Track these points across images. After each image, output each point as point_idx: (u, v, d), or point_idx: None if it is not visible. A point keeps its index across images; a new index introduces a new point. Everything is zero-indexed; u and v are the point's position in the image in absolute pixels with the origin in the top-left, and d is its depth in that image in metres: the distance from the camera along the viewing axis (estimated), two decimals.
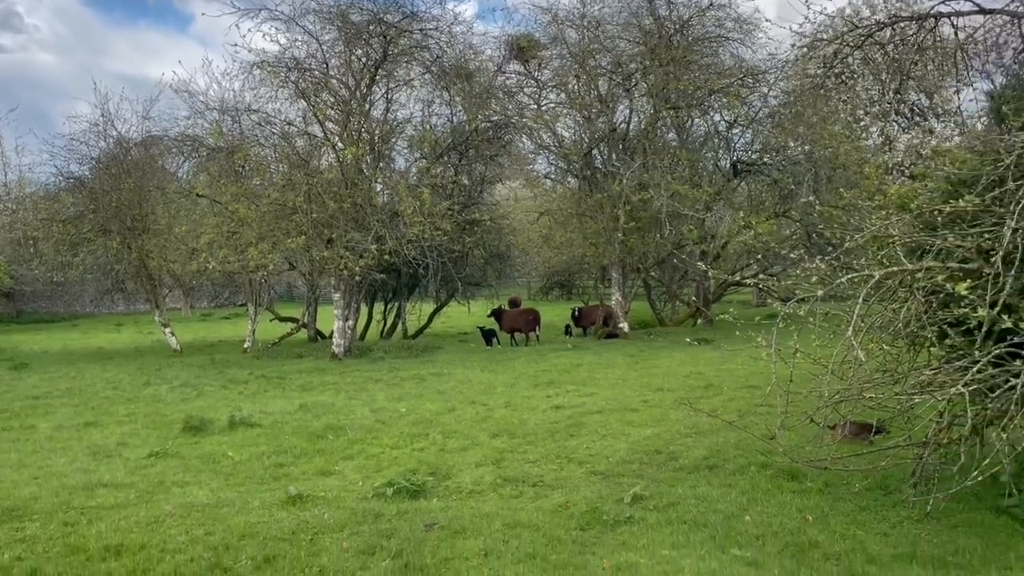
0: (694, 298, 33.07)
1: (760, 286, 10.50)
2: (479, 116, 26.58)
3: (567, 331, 30.09)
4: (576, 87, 28.93)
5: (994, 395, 6.81)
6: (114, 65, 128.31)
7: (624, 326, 28.38)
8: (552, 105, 30.08)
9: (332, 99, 25.11)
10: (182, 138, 27.84)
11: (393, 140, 27.95)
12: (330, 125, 25.07)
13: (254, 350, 27.19)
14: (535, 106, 29.64)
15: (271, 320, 32.40)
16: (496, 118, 27.93)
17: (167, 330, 28.91)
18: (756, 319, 9.15)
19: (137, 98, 38.08)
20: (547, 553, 6.81)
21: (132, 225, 27.12)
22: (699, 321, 31.81)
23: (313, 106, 24.50)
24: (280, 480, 9.95)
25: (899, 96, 21.34)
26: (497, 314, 28.40)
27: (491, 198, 33.83)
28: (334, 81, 25.11)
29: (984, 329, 6.78)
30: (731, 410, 12.75)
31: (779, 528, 7.42)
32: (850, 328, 7.36)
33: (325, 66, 24.89)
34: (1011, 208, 6.98)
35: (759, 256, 27.08)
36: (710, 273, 15.91)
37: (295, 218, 24.00)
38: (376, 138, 25.70)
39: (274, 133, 25.66)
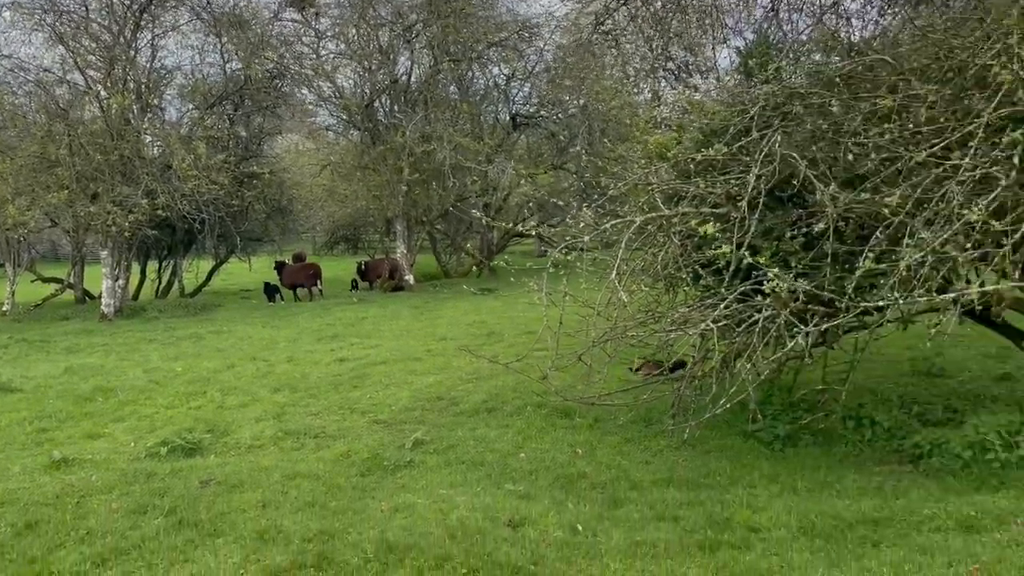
0: (477, 250, 33.61)
1: (538, 235, 10.85)
2: (254, 65, 25.61)
3: (353, 285, 29.85)
4: (356, 37, 28.43)
5: (740, 329, 7.39)
6: None
7: (410, 278, 28.49)
8: (331, 55, 29.44)
9: (93, 45, 23.46)
10: None
11: (162, 89, 26.54)
12: (92, 73, 23.45)
13: (14, 313, 25.26)
14: (314, 56, 28.90)
15: (33, 281, 30.14)
16: (272, 67, 27.01)
17: None
18: (528, 265, 9.47)
19: None
20: (327, 500, 6.84)
21: None
22: (483, 272, 32.40)
23: (73, 52, 22.81)
24: (43, 445, 9.40)
25: (665, 53, 22.39)
26: (279, 268, 27.77)
27: (271, 151, 32.85)
28: (95, 25, 23.44)
29: (731, 268, 7.30)
30: (510, 355, 13.06)
31: (551, 463, 7.81)
32: (614, 272, 7.76)
33: (85, 9, 23.18)
34: (755, 157, 7.52)
35: (535, 206, 27.86)
36: (485, 221, 16.16)
37: (56, 171, 22.39)
38: (143, 87, 24.28)
39: (29, 80, 23.70)
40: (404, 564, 5.40)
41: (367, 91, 28.70)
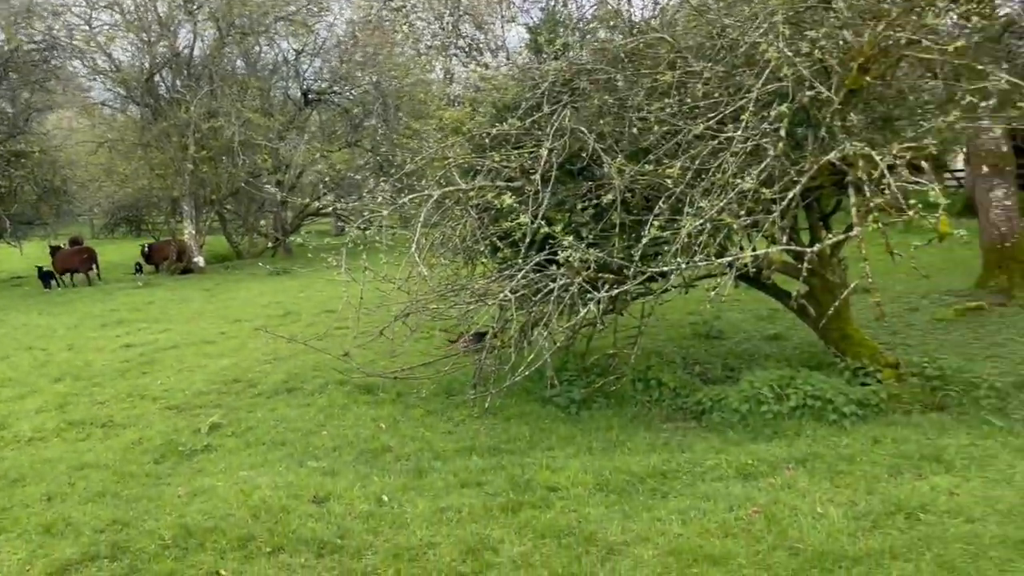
0: (271, 229, 32.76)
1: (335, 212, 10.72)
2: (18, 36, 23.69)
3: (137, 269, 28.35)
4: (132, 7, 26.87)
5: (537, 298, 7.63)
6: None
7: (199, 260, 27.41)
8: (106, 26, 27.66)
9: None
10: None
11: None
12: None
13: None
14: (87, 27, 27.06)
15: None
16: (41, 39, 25.10)
17: None
18: (326, 241, 9.37)
19: None
20: (119, 490, 6.53)
21: None
22: (278, 251, 31.61)
23: None
24: None
25: (456, 31, 22.61)
26: (53, 253, 26.00)
27: (41, 128, 30.57)
28: None
29: (527, 240, 7.51)
30: (310, 334, 12.91)
31: (355, 438, 7.79)
32: (414, 246, 7.81)
33: None
34: (547, 131, 7.76)
35: (331, 184, 27.44)
36: (279, 198, 15.82)
37: None
38: None
39: None
40: (205, 547, 5.26)
41: (147, 64, 27.22)
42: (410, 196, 8.32)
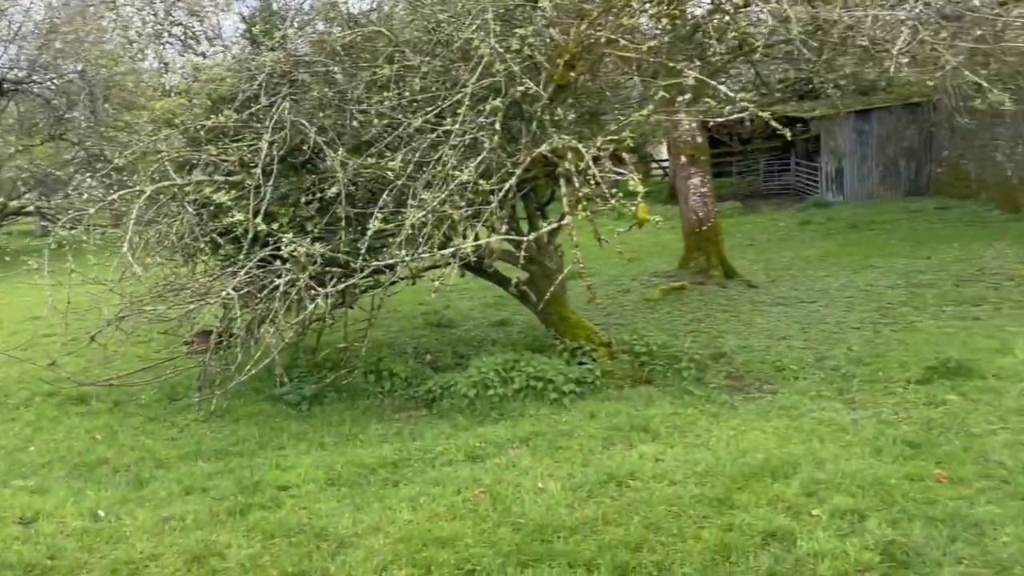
0: None
1: (37, 211, 9.92)
2: None
3: None
4: None
5: (262, 295, 7.45)
6: None
7: None
8: None
9: None
10: None
11: None
12: None
13: None
14: None
15: None
16: None
17: None
18: (27, 242, 8.67)
19: None
20: None
21: None
22: None
23: None
24: None
25: (170, 18, 21.54)
26: None
27: None
28: None
29: (250, 236, 7.32)
30: (12, 344, 11.80)
31: (67, 452, 7.30)
32: (126, 244, 7.40)
33: None
34: (266, 123, 7.59)
35: (33, 181, 25.30)
36: None
37: None
38: None
39: None
40: None
41: None
42: (120, 192, 7.85)
